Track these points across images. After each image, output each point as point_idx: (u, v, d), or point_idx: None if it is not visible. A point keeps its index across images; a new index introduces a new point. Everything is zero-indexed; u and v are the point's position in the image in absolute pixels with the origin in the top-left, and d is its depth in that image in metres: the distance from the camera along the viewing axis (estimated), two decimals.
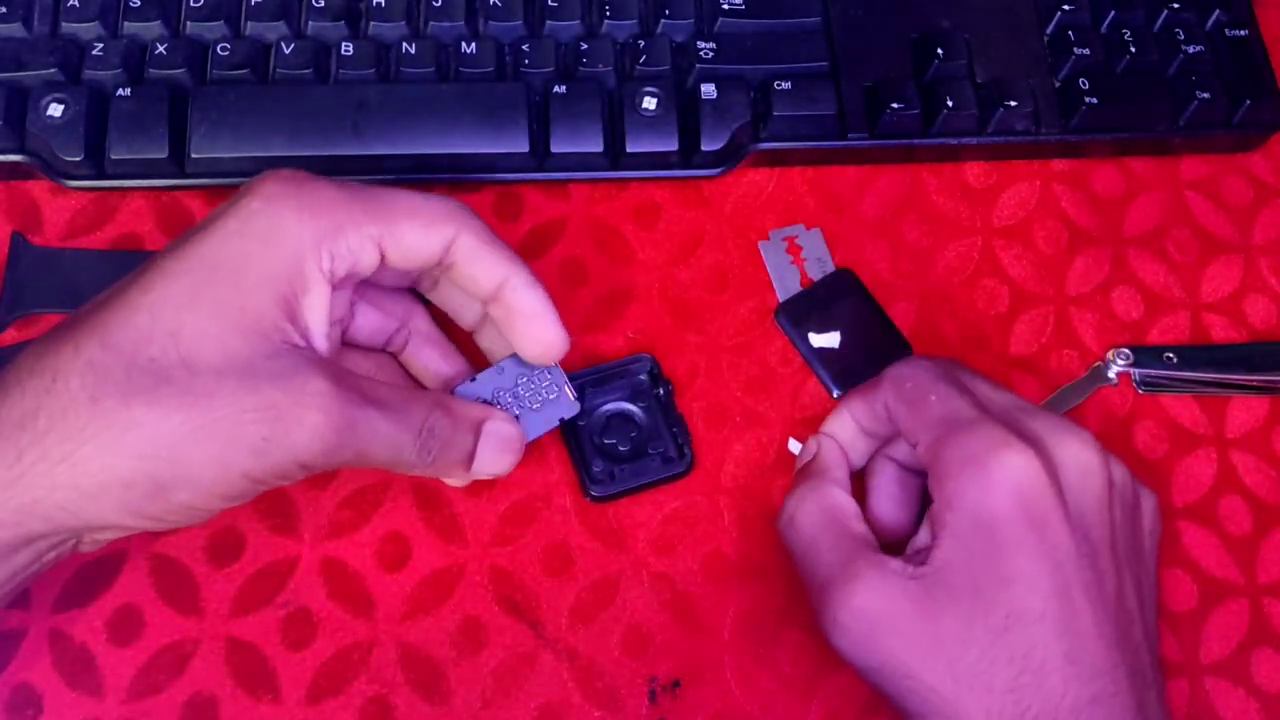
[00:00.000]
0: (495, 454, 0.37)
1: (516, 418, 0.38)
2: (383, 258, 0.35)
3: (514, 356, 0.39)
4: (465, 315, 0.40)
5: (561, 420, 0.40)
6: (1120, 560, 0.34)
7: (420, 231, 0.34)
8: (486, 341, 0.40)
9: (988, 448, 0.34)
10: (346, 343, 0.39)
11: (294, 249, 0.32)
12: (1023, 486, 0.33)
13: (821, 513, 0.37)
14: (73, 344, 0.30)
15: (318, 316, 0.33)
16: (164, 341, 0.30)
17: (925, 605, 0.33)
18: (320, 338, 0.34)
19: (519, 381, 0.39)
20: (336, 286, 0.34)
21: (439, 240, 0.35)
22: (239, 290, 0.32)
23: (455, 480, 0.39)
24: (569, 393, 0.39)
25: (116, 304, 0.31)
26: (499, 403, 0.38)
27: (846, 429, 0.40)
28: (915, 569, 0.34)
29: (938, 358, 0.39)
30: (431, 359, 0.40)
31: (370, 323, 0.39)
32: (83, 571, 0.39)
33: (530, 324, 0.37)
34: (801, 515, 0.37)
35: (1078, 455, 0.34)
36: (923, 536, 0.36)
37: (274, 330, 0.32)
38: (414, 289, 0.40)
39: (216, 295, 0.31)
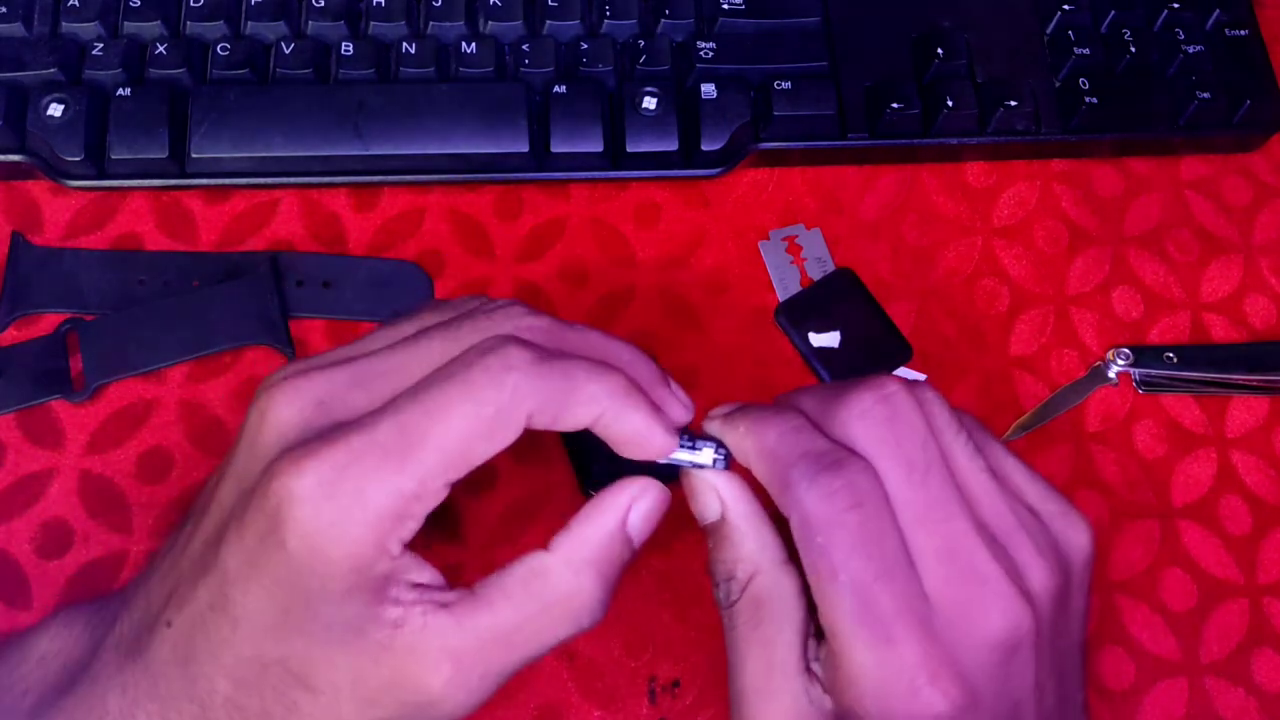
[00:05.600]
0: (648, 526, 0.33)
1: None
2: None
3: None
4: None
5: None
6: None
7: (483, 444, 0.29)
8: None
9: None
10: None
11: (360, 564, 0.28)
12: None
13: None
14: (206, 680, 0.29)
15: (417, 574, 0.29)
16: (278, 672, 0.29)
17: None
18: (427, 575, 0.30)
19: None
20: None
21: (502, 441, 0.29)
22: (321, 616, 0.28)
23: None
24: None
25: (217, 638, 0.29)
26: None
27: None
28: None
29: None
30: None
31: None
32: (86, 569, 0.39)
33: (635, 451, 0.32)
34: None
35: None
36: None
37: (371, 626, 0.28)
38: None
39: (302, 623, 0.28)
